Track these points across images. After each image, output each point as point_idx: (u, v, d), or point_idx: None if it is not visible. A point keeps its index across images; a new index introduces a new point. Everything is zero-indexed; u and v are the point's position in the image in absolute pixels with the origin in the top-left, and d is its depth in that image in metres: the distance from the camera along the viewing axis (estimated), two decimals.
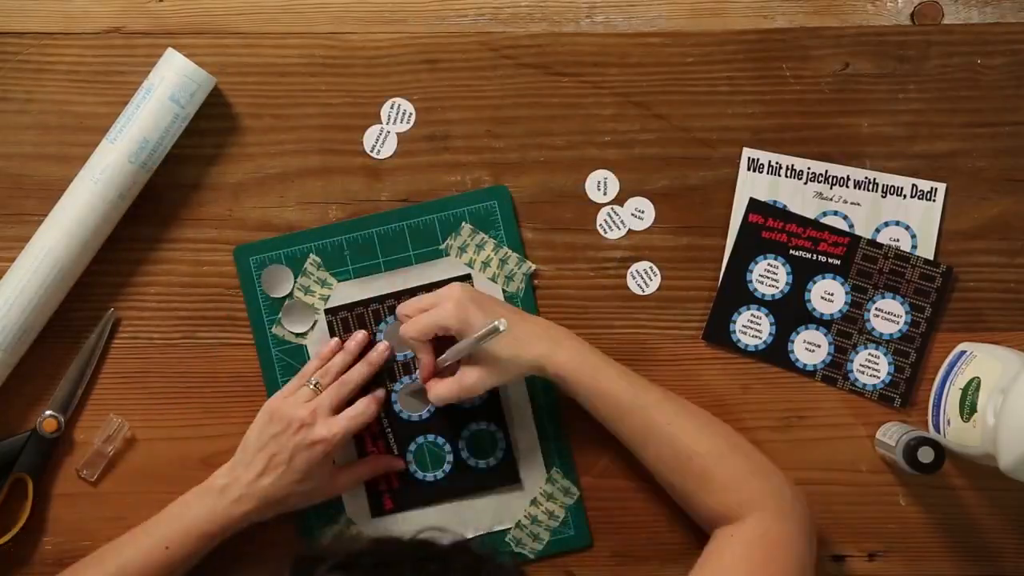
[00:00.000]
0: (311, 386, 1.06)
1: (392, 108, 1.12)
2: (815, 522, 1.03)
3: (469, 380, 1.03)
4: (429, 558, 0.88)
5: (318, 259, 1.11)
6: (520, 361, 1.03)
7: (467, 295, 1.03)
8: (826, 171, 1.12)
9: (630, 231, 1.13)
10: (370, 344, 1.10)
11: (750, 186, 1.12)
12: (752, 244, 1.12)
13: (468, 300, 1.02)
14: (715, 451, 1.02)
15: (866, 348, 1.12)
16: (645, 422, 1.03)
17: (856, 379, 1.13)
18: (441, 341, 1.05)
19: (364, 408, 1.06)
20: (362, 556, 0.87)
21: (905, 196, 1.12)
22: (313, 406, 1.04)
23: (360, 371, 1.08)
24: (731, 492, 1.01)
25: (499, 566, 0.91)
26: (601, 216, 1.13)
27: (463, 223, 1.12)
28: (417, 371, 1.08)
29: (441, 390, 1.04)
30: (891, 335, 1.12)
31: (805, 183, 1.12)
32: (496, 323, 0.98)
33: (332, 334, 1.11)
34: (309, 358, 1.11)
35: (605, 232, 1.13)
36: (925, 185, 1.12)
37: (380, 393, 1.09)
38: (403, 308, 1.06)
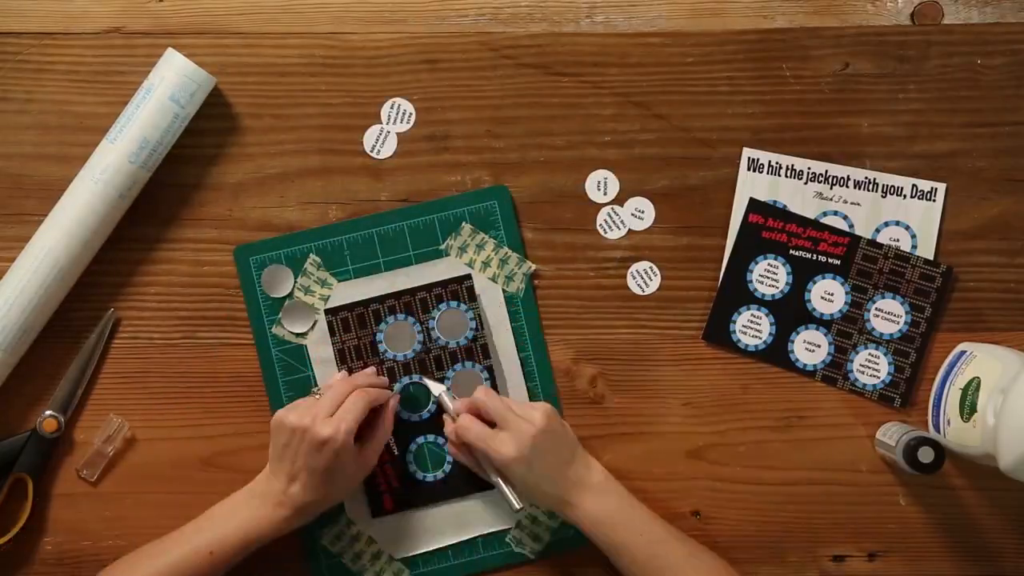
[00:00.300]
0: (315, 394, 1.07)
1: (392, 108, 1.12)
2: None
3: (508, 452, 1.04)
4: None
5: (318, 259, 1.11)
6: (538, 503, 1.08)
7: (532, 449, 1.03)
8: (826, 171, 1.12)
9: (630, 231, 1.13)
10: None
11: (750, 186, 1.12)
12: (752, 244, 1.12)
13: (527, 460, 1.03)
14: None
15: (866, 348, 1.12)
16: (660, 572, 1.04)
17: (856, 379, 1.13)
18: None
19: (355, 400, 1.05)
20: None
21: (905, 196, 1.12)
22: (312, 412, 1.04)
23: (357, 379, 1.08)
24: None
25: None
26: (601, 216, 1.13)
27: (463, 223, 1.12)
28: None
29: (478, 432, 1.05)
30: (891, 335, 1.12)
31: (805, 183, 1.12)
32: (515, 507, 1.05)
33: (332, 334, 1.11)
34: (309, 358, 1.11)
35: (605, 232, 1.13)
36: (925, 185, 1.12)
37: (368, 372, 1.10)
38: (482, 399, 1.06)
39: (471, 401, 1.07)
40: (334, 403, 1.05)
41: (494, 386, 1.10)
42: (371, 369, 1.10)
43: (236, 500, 1.06)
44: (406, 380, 1.11)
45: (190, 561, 1.02)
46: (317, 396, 1.06)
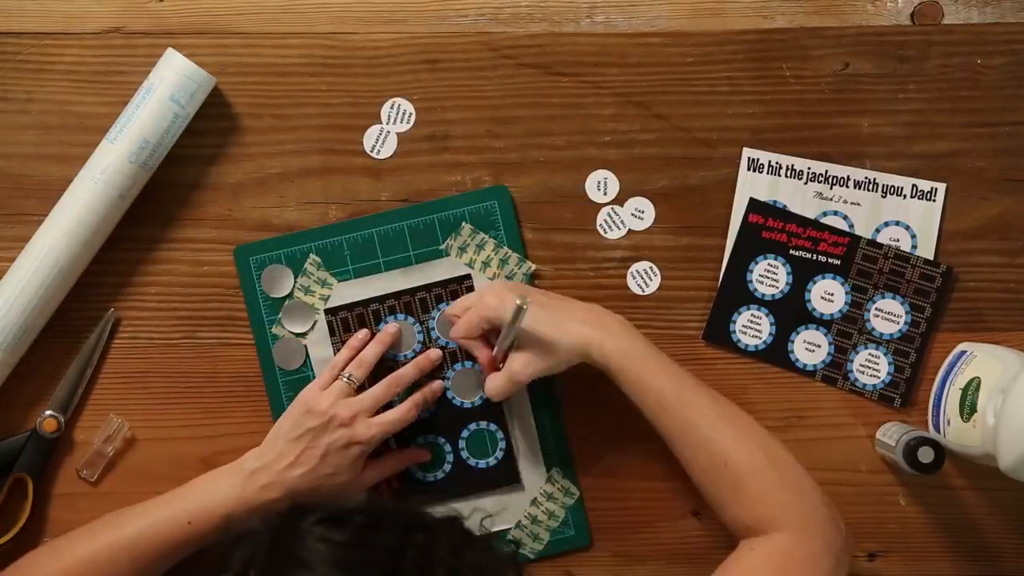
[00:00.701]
0: (345, 379, 1.06)
1: (392, 108, 1.12)
2: (852, 545, 1.01)
3: (516, 366, 1.02)
4: (417, 527, 0.88)
5: (318, 259, 1.11)
6: (563, 344, 1.01)
7: (505, 284, 1.03)
8: (826, 171, 1.12)
9: (630, 231, 1.13)
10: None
11: (750, 186, 1.12)
12: (752, 244, 1.12)
13: (505, 288, 1.03)
14: (751, 462, 1.00)
15: (866, 348, 1.12)
16: (685, 422, 1.01)
17: (856, 379, 1.13)
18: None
19: (404, 414, 1.06)
20: (353, 514, 0.88)
21: (905, 196, 1.12)
22: (355, 408, 1.03)
23: (408, 373, 1.08)
24: (760, 506, 0.99)
25: (487, 547, 0.91)
26: (601, 216, 1.13)
27: (463, 223, 1.12)
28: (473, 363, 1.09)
29: (494, 383, 1.04)
30: (891, 335, 1.12)
31: (805, 183, 1.12)
32: (518, 301, 0.97)
33: (332, 334, 1.11)
34: (309, 358, 1.11)
35: (605, 232, 1.13)
36: (925, 185, 1.12)
37: (431, 388, 1.09)
38: (451, 309, 1.07)
39: (451, 328, 1.06)
40: (377, 401, 1.04)
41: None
42: (394, 326, 1.10)
43: (221, 474, 1.04)
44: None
45: (168, 528, 1.01)
46: (346, 381, 1.06)
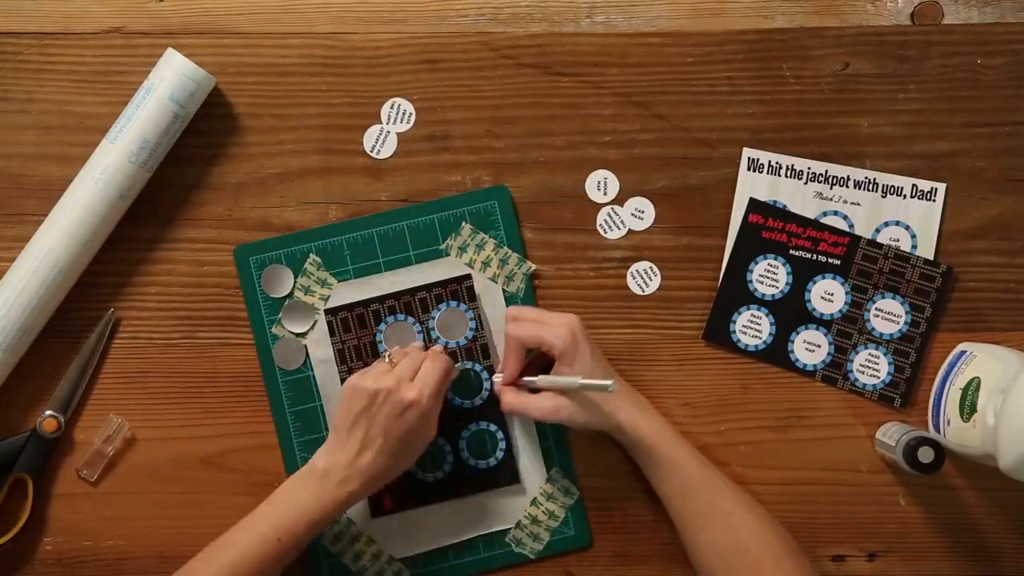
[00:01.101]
0: (386, 360, 1.06)
1: (392, 108, 1.12)
2: None
3: (549, 406, 1.04)
4: None
5: (318, 259, 1.11)
6: (605, 417, 1.05)
7: (584, 331, 1.04)
8: (826, 171, 1.12)
9: (630, 231, 1.13)
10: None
11: (750, 186, 1.12)
12: (752, 244, 1.12)
13: (584, 337, 1.04)
14: (772, 551, 1.02)
15: (866, 348, 1.12)
16: (711, 506, 1.04)
17: (856, 379, 1.13)
18: (529, 358, 1.08)
19: (436, 361, 1.05)
20: None
21: (905, 196, 1.12)
22: (395, 375, 1.03)
23: (440, 354, 1.08)
24: None
25: None
26: (601, 216, 1.13)
27: (463, 223, 1.12)
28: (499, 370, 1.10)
29: (516, 403, 1.06)
30: (891, 335, 1.12)
31: (805, 183, 1.12)
32: (609, 384, 1.00)
33: (332, 334, 1.11)
34: (309, 358, 1.11)
35: (605, 232, 1.13)
36: (925, 185, 1.12)
37: (437, 347, 1.09)
38: (518, 310, 1.07)
39: (509, 323, 1.06)
40: (412, 369, 1.04)
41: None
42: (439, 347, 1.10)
43: (297, 482, 1.03)
44: None
45: (260, 551, 1.00)
46: (389, 360, 1.05)
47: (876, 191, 1.12)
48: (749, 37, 1.12)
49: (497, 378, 1.09)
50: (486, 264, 1.12)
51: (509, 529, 1.12)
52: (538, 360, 1.08)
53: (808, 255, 1.12)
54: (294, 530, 1.01)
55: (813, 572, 1.03)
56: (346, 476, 1.02)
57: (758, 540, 1.03)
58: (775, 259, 1.13)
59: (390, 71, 1.12)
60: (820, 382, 1.13)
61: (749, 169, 1.12)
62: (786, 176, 1.12)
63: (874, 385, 1.13)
